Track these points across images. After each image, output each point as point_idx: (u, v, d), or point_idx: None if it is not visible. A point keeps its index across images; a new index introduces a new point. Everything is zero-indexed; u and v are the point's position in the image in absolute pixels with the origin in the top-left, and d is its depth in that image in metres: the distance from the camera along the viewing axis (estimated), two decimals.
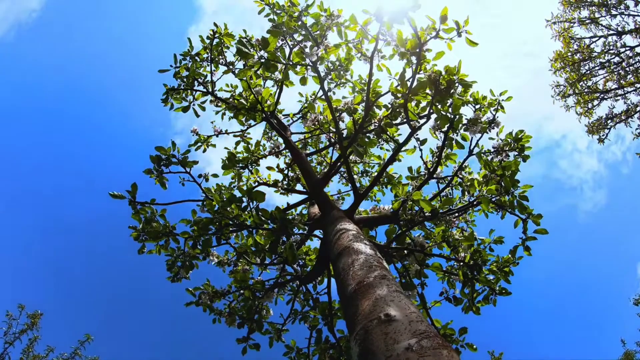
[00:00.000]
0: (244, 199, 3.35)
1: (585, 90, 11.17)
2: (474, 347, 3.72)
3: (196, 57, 4.71)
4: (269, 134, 6.11)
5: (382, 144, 5.03)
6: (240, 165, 5.01)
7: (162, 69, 4.57)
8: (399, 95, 3.82)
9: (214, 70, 4.75)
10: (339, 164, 4.41)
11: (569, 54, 10.98)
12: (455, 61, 3.92)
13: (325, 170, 5.67)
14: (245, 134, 5.44)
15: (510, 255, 3.66)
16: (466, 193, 4.27)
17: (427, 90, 3.56)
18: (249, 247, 3.84)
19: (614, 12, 10.33)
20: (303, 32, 3.82)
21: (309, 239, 4.57)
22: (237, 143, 5.47)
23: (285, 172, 5.25)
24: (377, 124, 3.97)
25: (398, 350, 1.24)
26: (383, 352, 1.28)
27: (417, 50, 3.34)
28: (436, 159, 4.10)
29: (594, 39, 10.85)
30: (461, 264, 3.59)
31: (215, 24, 4.59)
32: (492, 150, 4.15)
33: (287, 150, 4.98)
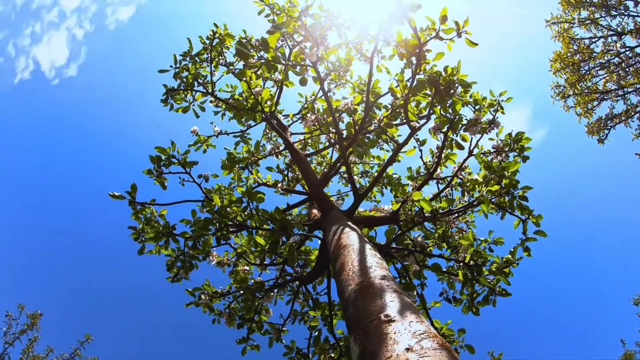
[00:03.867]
0: (244, 200, 3.35)
1: (585, 90, 11.17)
2: (473, 348, 3.72)
3: (196, 58, 4.71)
4: (269, 135, 6.10)
5: (382, 145, 5.04)
6: (240, 165, 5.01)
7: (162, 69, 4.58)
8: (399, 95, 3.82)
9: (213, 71, 4.76)
10: (338, 164, 4.41)
11: (569, 54, 10.98)
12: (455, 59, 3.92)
13: (325, 170, 5.67)
14: (245, 135, 5.44)
15: (510, 256, 3.66)
16: (466, 194, 4.27)
17: (427, 91, 3.56)
18: (249, 247, 3.84)
19: (613, 13, 10.33)
20: (303, 33, 3.82)
21: (308, 239, 4.57)
22: (237, 143, 5.47)
23: (285, 172, 5.25)
24: (377, 125, 3.97)
25: (398, 350, 1.24)
26: (383, 352, 1.28)
27: (417, 50, 3.34)
28: (436, 160, 4.10)
29: (593, 40, 10.85)
30: (461, 264, 3.59)
31: (215, 24, 4.59)
32: (492, 150, 4.15)
33: (287, 151, 4.98)
